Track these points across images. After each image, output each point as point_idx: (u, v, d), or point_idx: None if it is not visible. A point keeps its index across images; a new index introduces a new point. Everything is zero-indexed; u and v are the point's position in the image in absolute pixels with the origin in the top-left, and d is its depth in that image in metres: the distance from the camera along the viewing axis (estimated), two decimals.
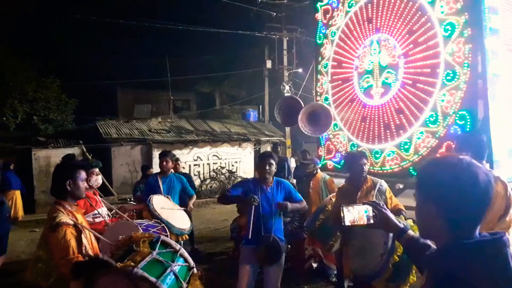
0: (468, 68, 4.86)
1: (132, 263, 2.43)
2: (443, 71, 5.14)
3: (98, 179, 4.35)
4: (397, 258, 2.83)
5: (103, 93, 20.27)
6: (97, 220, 3.90)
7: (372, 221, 1.91)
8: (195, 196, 5.67)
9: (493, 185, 1.20)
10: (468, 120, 4.80)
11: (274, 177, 3.93)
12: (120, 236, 2.94)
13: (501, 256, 1.13)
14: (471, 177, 1.18)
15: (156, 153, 14.37)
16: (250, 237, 3.69)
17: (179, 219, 4.54)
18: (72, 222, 2.56)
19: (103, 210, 4.11)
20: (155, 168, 12.52)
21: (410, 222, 2.96)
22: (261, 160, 3.90)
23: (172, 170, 5.50)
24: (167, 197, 4.92)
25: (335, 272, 5.49)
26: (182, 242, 4.57)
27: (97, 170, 4.40)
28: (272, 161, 3.81)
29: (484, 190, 1.18)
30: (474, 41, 4.83)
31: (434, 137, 5.21)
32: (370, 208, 1.92)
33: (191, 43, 23.40)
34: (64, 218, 2.56)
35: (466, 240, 1.18)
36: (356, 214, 1.90)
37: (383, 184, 4.06)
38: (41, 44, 19.64)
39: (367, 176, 4.10)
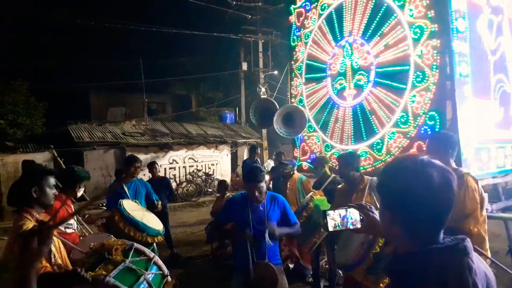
0: (437, 70, 5.00)
1: (104, 272, 2.36)
2: (413, 73, 5.26)
3: (81, 191, 4.21)
4: (378, 248, 2.76)
5: (75, 96, 19.75)
6: (68, 230, 3.74)
7: (358, 226, 1.80)
8: (160, 203, 5.61)
9: (453, 186, 1.12)
10: (438, 120, 4.93)
11: (267, 191, 3.47)
12: (92, 244, 2.84)
13: (456, 264, 1.07)
14: (424, 181, 1.10)
15: None
16: (239, 263, 3.29)
17: (152, 220, 4.48)
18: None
19: (74, 222, 3.97)
20: None
21: None
22: (248, 181, 3.32)
23: (145, 175, 5.47)
24: (135, 202, 4.88)
25: (311, 272, 5.52)
26: (154, 245, 4.49)
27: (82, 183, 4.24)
28: (262, 184, 3.27)
29: (440, 193, 1.10)
30: (442, 44, 4.97)
31: (406, 137, 5.32)
32: (356, 212, 1.81)
33: (166, 45, 23.16)
34: (31, 225, 2.45)
35: (424, 246, 1.11)
36: (338, 219, 1.80)
37: (375, 180, 3.90)
38: (9, 46, 18.97)
39: (363, 175, 4.07)
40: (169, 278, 2.70)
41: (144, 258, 2.63)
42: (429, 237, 1.13)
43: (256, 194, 3.25)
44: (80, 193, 4.12)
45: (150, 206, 5.28)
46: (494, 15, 5.68)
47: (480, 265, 1.13)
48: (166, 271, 2.69)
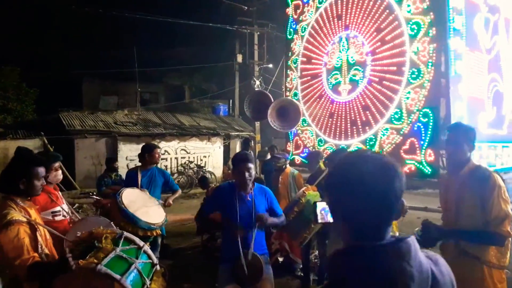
0: (432, 67, 5.00)
1: (95, 260, 2.32)
2: (408, 70, 5.26)
3: (58, 175, 4.02)
4: None
5: (68, 83, 19.47)
6: (57, 218, 3.63)
7: None
8: (179, 192, 5.37)
9: (393, 181, 1.04)
10: (431, 117, 4.94)
11: (255, 183, 3.44)
12: (79, 232, 2.80)
13: (386, 267, 1.00)
14: (357, 173, 1.05)
15: (122, 146, 14.00)
16: (226, 255, 3.27)
17: (151, 213, 4.35)
18: (25, 220, 2.40)
19: (65, 207, 3.86)
20: (121, 161, 12.22)
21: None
22: (237, 165, 3.30)
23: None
24: (143, 191, 4.71)
25: (301, 266, 5.53)
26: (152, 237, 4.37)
27: (56, 164, 4.10)
28: (251, 165, 3.26)
29: (374, 186, 1.03)
30: (438, 41, 4.96)
31: (399, 134, 5.33)
32: None
33: (161, 35, 22.93)
34: (16, 215, 2.39)
35: (361, 243, 1.05)
36: (328, 212, 1.79)
37: None
38: (2, 31, 18.61)
39: None
40: (158, 267, 2.68)
41: (134, 247, 2.60)
42: (369, 234, 1.06)
43: (246, 174, 3.23)
44: (56, 176, 3.99)
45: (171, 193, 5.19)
46: (491, 14, 5.69)
47: (425, 267, 1.04)
48: (155, 259, 2.67)
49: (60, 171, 4.09)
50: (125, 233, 2.69)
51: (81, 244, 2.64)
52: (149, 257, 2.67)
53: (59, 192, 4.12)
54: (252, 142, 17.12)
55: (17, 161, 2.62)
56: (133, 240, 2.66)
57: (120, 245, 2.52)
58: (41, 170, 2.58)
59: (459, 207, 2.45)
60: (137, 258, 2.52)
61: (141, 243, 2.67)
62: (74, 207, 11.24)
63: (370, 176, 1.03)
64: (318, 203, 1.73)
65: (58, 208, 3.70)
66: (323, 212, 1.85)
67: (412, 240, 1.04)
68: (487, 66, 5.53)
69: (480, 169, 2.49)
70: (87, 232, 2.71)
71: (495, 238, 2.32)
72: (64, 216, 3.70)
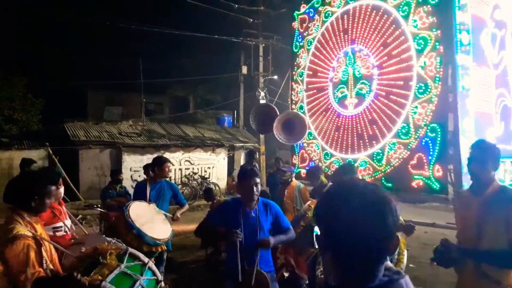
0: (440, 82, 4.98)
1: (100, 277, 2.29)
2: (415, 84, 5.25)
3: (60, 192, 4.02)
4: None
5: (73, 94, 19.58)
6: (58, 233, 3.58)
7: None
8: (186, 206, 5.26)
9: (385, 217, 0.96)
10: (439, 132, 4.91)
11: (260, 197, 3.38)
12: (83, 248, 2.77)
13: None
14: (345, 210, 0.97)
15: (126, 157, 14.00)
16: (231, 271, 3.18)
17: (158, 228, 4.29)
18: (31, 234, 2.38)
19: (68, 223, 3.83)
20: (125, 172, 12.20)
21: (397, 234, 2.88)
22: (244, 179, 3.26)
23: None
24: (151, 204, 4.66)
25: (307, 282, 5.45)
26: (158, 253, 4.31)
27: (59, 180, 4.07)
28: (258, 180, 3.23)
29: (364, 223, 0.95)
30: (446, 56, 4.96)
31: (406, 149, 5.30)
32: None
33: (167, 46, 23.09)
34: (22, 229, 2.37)
35: (354, 282, 1.00)
36: None
37: None
38: (7, 41, 18.84)
39: None
40: (162, 284, 2.64)
41: (139, 263, 2.57)
42: (359, 273, 0.99)
43: (254, 190, 3.18)
44: (59, 193, 3.97)
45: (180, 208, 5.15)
46: (498, 29, 5.69)
47: None
48: (160, 276, 2.64)
49: (62, 188, 4.07)
50: (130, 249, 2.66)
51: (86, 260, 2.61)
52: (154, 273, 2.63)
53: (64, 207, 4.09)
54: (257, 153, 17.07)
55: (31, 178, 2.61)
56: (138, 256, 2.62)
57: (125, 261, 2.49)
58: (54, 189, 2.58)
59: (481, 228, 2.36)
60: (141, 274, 2.49)
61: (146, 260, 2.63)
62: (77, 218, 11.20)
63: (360, 212, 0.95)
64: (316, 228, 1.69)
65: (60, 224, 3.66)
66: None
67: (405, 281, 0.98)
68: (494, 81, 5.51)
69: (506, 190, 2.41)
70: (91, 248, 2.67)
71: None
72: (66, 232, 3.66)
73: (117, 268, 2.38)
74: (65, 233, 3.61)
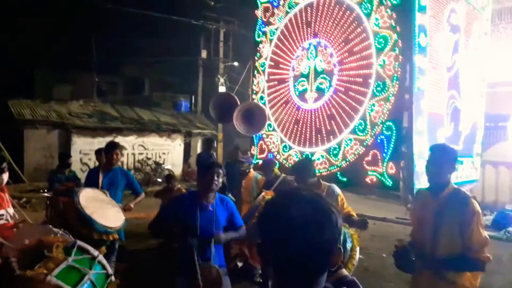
0: (397, 81, 5.11)
1: (45, 270, 2.14)
2: (374, 82, 5.36)
3: (3, 178, 3.72)
4: None
5: (17, 72, 18.22)
6: None
7: None
8: (143, 195, 5.06)
9: (323, 229, 0.93)
10: (394, 131, 5.07)
11: (217, 193, 3.36)
12: (27, 240, 2.58)
13: None
14: (283, 218, 0.94)
15: (76, 139, 13.32)
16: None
17: (110, 216, 4.10)
18: None
19: (10, 211, 3.57)
20: (74, 155, 11.61)
21: (351, 230, 2.92)
22: (206, 170, 3.23)
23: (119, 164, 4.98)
24: (104, 192, 4.44)
25: (260, 272, 5.50)
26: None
27: (3, 166, 3.77)
28: (221, 171, 3.19)
29: (302, 237, 0.92)
30: (404, 56, 5.08)
31: (362, 145, 5.43)
32: None
33: (121, 24, 22.02)
34: None
35: None
36: None
37: (334, 188, 3.80)
38: None
39: (320, 181, 3.98)
40: (112, 278, 2.54)
41: (87, 256, 2.44)
42: (297, 284, 0.96)
43: (215, 179, 3.16)
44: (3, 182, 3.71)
45: (135, 196, 4.93)
46: (452, 33, 5.93)
47: None
48: (110, 270, 2.53)
49: (7, 174, 3.78)
50: (79, 242, 2.51)
51: (29, 253, 2.43)
52: (104, 267, 2.51)
53: (7, 194, 3.81)
54: (215, 142, 16.89)
55: None
56: (87, 249, 2.49)
57: (73, 254, 2.35)
58: None
59: (437, 229, 2.46)
60: (90, 268, 2.37)
61: (96, 253, 2.50)
62: (21, 201, 10.54)
63: (298, 223, 0.92)
64: None
65: (2, 212, 3.44)
66: None
67: None
68: (447, 83, 5.76)
69: (460, 193, 2.52)
70: (35, 240, 2.50)
71: (478, 264, 2.39)
72: (7, 220, 3.44)
73: (63, 261, 2.25)
74: (6, 222, 3.39)
